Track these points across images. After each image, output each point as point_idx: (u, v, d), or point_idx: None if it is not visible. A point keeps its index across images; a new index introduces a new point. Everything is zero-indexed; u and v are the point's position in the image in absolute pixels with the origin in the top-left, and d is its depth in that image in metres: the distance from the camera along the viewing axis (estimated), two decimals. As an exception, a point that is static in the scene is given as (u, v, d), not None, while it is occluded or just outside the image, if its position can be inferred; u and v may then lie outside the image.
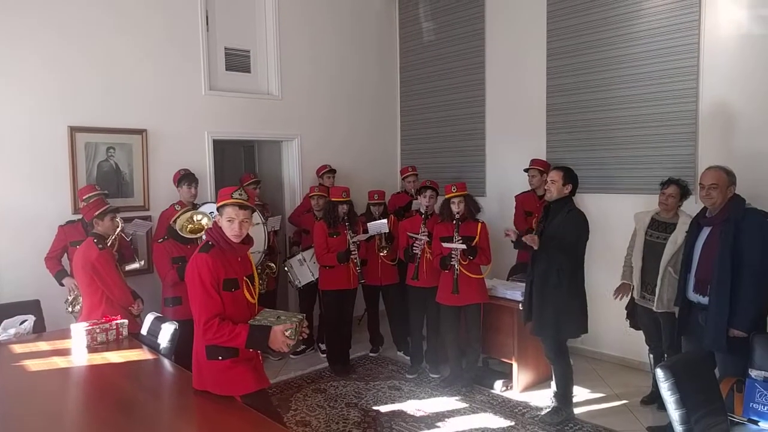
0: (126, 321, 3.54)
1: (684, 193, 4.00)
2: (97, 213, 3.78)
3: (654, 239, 4.03)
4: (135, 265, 4.32)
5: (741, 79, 4.41)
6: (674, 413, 2.39)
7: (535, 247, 3.73)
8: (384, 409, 4.27)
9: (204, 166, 5.39)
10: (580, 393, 4.44)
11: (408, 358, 5.16)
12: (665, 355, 4.02)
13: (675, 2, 4.68)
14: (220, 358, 2.58)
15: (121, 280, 3.79)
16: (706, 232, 3.49)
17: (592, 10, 5.21)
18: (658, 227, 4.04)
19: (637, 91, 4.95)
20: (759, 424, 2.80)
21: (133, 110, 4.96)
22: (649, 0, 4.84)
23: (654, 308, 3.95)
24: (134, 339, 3.49)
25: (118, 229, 3.92)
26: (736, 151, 4.38)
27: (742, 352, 3.15)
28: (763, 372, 2.93)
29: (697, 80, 4.61)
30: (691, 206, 4.06)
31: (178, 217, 4.22)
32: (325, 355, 5.26)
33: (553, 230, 3.78)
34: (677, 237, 3.86)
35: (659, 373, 2.43)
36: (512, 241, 3.95)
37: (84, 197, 4.23)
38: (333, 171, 5.96)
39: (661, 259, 3.91)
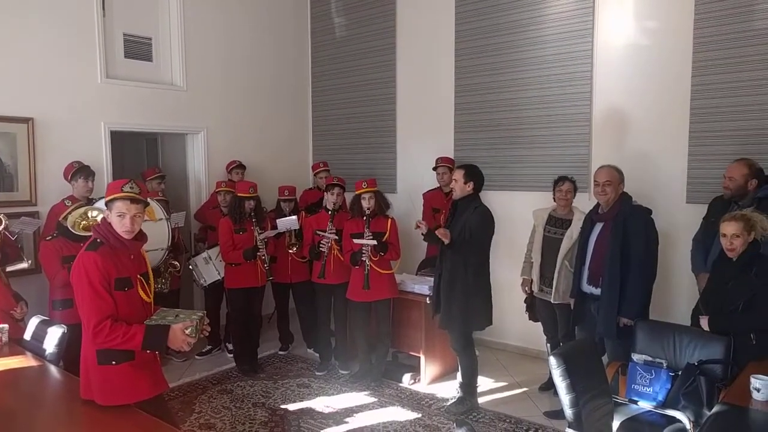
0: (6, 326, 3.24)
1: (575, 189, 4.25)
2: None
3: (552, 235, 4.25)
4: (22, 265, 3.97)
5: (630, 86, 4.74)
6: (565, 397, 2.52)
7: (446, 241, 3.73)
8: (292, 407, 4.21)
9: (101, 158, 5.05)
10: (484, 382, 4.60)
11: (318, 355, 5.12)
12: (561, 344, 4.25)
13: (572, 10, 4.96)
14: (113, 362, 2.41)
15: (1, 281, 3.47)
16: (598, 227, 3.73)
17: (498, 14, 5.39)
18: (555, 223, 4.26)
19: (537, 93, 5.19)
20: (639, 403, 3.03)
21: (17, 96, 4.55)
22: (549, 6, 5.09)
23: (551, 300, 4.17)
24: (16, 345, 3.20)
25: (0, 227, 3.60)
26: (625, 152, 4.71)
27: (629, 338, 3.40)
28: (643, 356, 3.16)
29: (590, 84, 4.91)
30: (585, 203, 4.33)
31: (70, 212, 3.91)
32: (232, 355, 5.12)
33: (460, 226, 3.88)
34: (573, 232, 4.09)
35: (552, 360, 2.56)
36: (422, 234, 3.98)
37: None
38: (243, 167, 5.79)
39: (558, 254, 4.14)
